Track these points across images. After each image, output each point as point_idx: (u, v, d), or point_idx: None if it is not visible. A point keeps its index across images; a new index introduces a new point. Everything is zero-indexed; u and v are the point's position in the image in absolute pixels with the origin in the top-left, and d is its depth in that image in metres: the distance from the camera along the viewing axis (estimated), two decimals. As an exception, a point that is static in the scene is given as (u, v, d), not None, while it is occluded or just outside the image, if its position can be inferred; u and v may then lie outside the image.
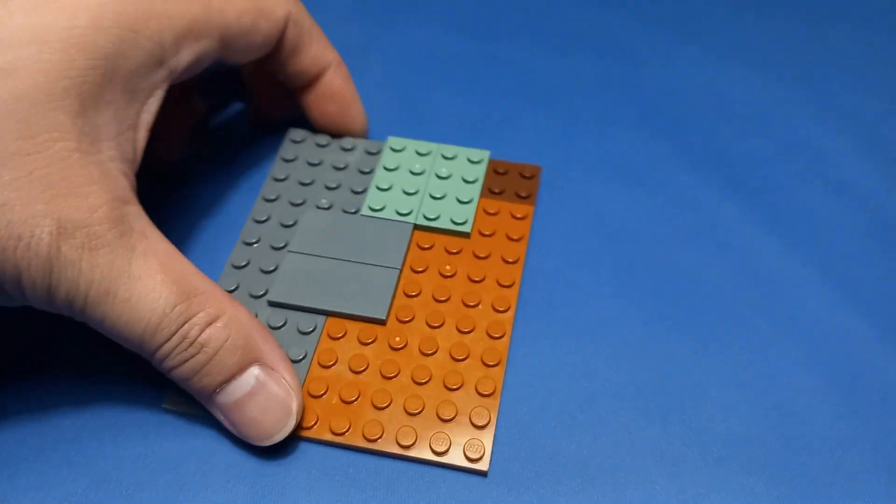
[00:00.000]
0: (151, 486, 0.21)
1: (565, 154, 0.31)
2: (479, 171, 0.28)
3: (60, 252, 0.18)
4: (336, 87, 0.28)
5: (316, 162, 0.29)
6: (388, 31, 0.36)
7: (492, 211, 0.28)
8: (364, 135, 0.30)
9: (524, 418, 0.23)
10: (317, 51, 0.27)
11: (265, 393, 0.21)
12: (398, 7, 0.38)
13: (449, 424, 0.23)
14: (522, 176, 0.29)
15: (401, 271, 0.26)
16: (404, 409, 0.23)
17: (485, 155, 0.29)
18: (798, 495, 0.22)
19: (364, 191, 0.28)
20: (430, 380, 0.23)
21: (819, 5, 0.39)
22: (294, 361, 0.23)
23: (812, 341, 0.26)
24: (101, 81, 0.19)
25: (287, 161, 0.29)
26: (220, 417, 0.22)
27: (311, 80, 0.28)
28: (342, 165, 0.29)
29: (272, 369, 0.21)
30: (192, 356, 0.20)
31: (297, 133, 0.30)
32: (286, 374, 0.21)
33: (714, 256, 0.28)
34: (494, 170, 0.29)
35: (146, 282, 0.19)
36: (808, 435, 0.24)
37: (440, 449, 0.22)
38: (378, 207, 0.27)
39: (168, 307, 0.19)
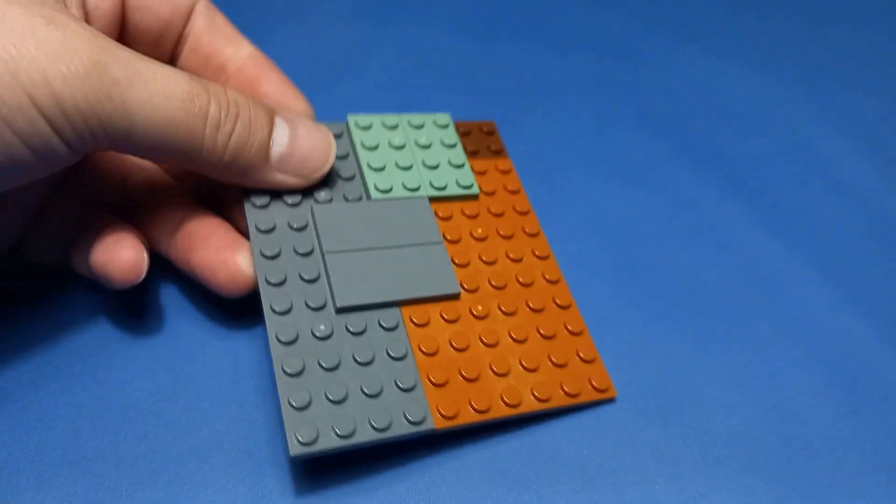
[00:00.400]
0: (151, 486, 0.21)
1: (565, 154, 0.31)
2: (452, 135, 0.28)
3: (88, 77, 0.18)
4: (256, 79, 0.26)
5: None
6: (388, 32, 0.36)
7: (478, 170, 0.28)
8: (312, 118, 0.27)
9: (525, 418, 0.23)
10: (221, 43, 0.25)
11: (301, 126, 0.23)
12: (398, 7, 0.38)
13: (567, 369, 0.24)
14: (482, 132, 0.29)
15: (442, 244, 0.25)
16: (524, 368, 0.23)
17: (447, 118, 0.29)
18: (798, 495, 0.22)
19: (354, 176, 0.26)
20: (527, 337, 0.24)
21: (819, 6, 0.39)
22: (396, 359, 0.22)
23: (812, 341, 0.26)
24: None
25: None
26: (282, 177, 0.23)
27: (221, 76, 0.26)
28: None
29: (284, 111, 0.23)
30: (237, 117, 0.21)
31: None
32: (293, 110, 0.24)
33: (714, 256, 0.28)
34: (459, 131, 0.29)
35: (159, 69, 0.20)
36: (808, 435, 0.24)
37: (574, 391, 0.23)
38: (386, 188, 0.26)
39: (187, 80, 0.20)
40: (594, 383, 0.24)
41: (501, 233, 0.26)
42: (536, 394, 0.23)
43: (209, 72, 0.26)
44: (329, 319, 0.23)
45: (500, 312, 0.24)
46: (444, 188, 0.27)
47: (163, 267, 0.26)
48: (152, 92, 0.19)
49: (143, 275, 0.22)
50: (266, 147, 0.22)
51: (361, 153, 0.27)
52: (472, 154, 0.28)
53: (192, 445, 0.22)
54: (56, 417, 0.23)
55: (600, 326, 0.26)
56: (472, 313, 0.24)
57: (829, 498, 0.22)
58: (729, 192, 0.30)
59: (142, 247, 0.22)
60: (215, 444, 0.22)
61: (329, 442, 0.20)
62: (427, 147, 0.28)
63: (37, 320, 0.24)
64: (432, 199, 0.26)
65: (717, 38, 0.37)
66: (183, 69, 0.26)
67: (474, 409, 0.22)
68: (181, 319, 0.25)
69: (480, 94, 0.34)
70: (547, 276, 0.26)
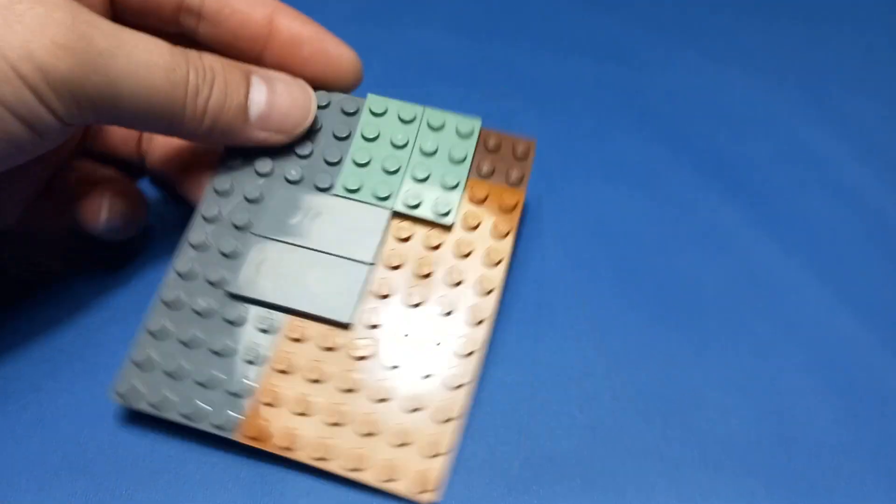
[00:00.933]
0: (151, 485, 0.21)
1: (565, 156, 0.31)
2: (468, 147, 0.25)
3: (72, 45, 0.18)
4: (291, 34, 0.24)
5: None
6: (388, 33, 0.36)
7: (479, 197, 0.24)
8: (359, 78, 0.26)
9: (524, 418, 0.23)
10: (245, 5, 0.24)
11: (279, 83, 0.23)
12: (398, 9, 0.38)
13: (402, 449, 0.21)
14: (515, 155, 0.25)
15: (374, 266, 0.23)
16: (355, 431, 0.21)
17: (475, 125, 0.25)
18: (798, 499, 0.22)
19: (339, 162, 0.24)
20: (388, 399, 0.22)
21: (819, 8, 0.39)
22: (248, 362, 0.22)
23: (811, 345, 0.26)
24: None
25: None
26: (264, 134, 0.23)
27: (258, 40, 0.24)
28: (316, 127, 0.25)
29: (260, 68, 0.23)
30: (213, 82, 0.21)
31: None
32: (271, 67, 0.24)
33: (714, 260, 0.28)
34: (485, 144, 0.25)
35: (141, 39, 0.20)
36: (808, 439, 0.24)
37: (388, 477, 0.21)
38: (353, 188, 0.24)
39: (168, 49, 0.20)
40: (413, 480, 0.21)
41: (450, 280, 0.23)
42: (349, 460, 0.21)
43: (243, 42, 0.24)
44: (215, 298, 0.23)
45: (381, 361, 0.22)
46: (415, 207, 0.24)
47: (163, 266, 0.26)
48: (136, 62, 0.20)
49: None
50: (244, 108, 0.22)
51: (356, 143, 0.25)
52: (484, 176, 0.24)
53: (192, 445, 0.22)
54: (56, 418, 0.23)
55: (600, 329, 0.26)
56: (349, 351, 0.22)
57: (829, 502, 0.22)
58: (729, 195, 0.30)
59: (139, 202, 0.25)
60: (215, 444, 0.22)
61: (140, 405, 0.22)
62: (429, 155, 0.25)
63: (37, 321, 0.24)
64: (397, 215, 0.24)
65: (716, 41, 0.37)
66: (208, 47, 0.25)
67: (277, 444, 0.21)
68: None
69: (480, 96, 0.34)
70: (457, 349, 0.22)
